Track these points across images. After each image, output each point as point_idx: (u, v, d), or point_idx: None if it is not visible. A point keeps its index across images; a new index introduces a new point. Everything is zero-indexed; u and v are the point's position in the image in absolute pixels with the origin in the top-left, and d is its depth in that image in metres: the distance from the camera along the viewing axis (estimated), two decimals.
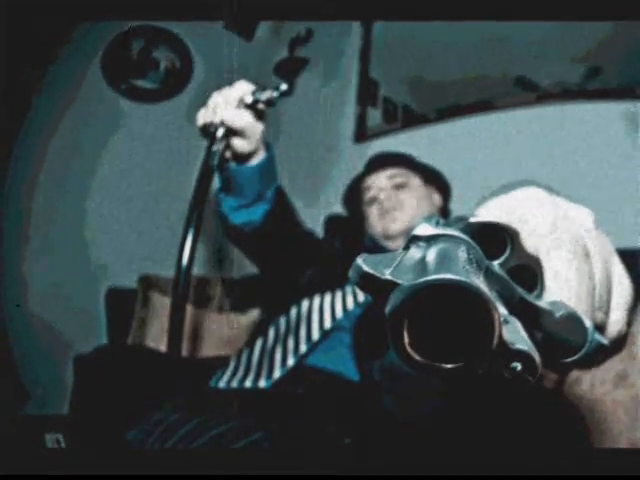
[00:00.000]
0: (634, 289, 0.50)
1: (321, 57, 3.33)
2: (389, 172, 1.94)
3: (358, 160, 2.27)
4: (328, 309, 1.57)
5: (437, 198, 2.01)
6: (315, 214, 2.41)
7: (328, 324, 1.52)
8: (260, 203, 1.61)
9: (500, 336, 0.33)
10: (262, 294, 2.39)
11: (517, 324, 0.37)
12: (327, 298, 1.62)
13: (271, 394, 1.40)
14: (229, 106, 1.43)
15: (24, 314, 2.88)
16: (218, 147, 1.44)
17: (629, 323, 0.50)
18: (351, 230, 2.07)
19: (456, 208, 2.07)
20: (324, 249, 1.89)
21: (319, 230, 2.13)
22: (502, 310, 0.37)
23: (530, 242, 0.45)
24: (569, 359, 0.42)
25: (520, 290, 0.41)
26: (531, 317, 0.41)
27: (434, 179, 2.02)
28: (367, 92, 3.09)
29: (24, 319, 2.87)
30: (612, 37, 2.29)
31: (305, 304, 1.62)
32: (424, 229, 0.41)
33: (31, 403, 2.79)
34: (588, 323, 0.41)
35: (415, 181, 1.94)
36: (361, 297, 1.59)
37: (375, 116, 3.05)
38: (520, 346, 0.34)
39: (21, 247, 2.98)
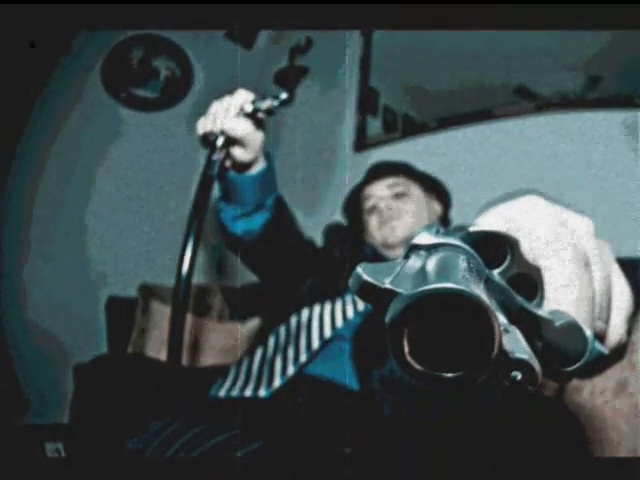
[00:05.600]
0: (634, 298, 0.50)
1: (321, 66, 3.33)
2: (389, 181, 1.94)
3: (358, 169, 2.27)
4: (328, 318, 1.57)
5: (437, 207, 2.00)
6: (315, 223, 2.41)
7: (328, 333, 1.52)
8: (260, 212, 1.61)
9: (500, 345, 0.33)
10: (262, 303, 2.39)
11: (517, 333, 0.37)
12: (327, 307, 1.61)
13: (271, 403, 1.40)
14: (229, 115, 1.44)
15: (24, 323, 2.88)
16: (218, 156, 1.44)
17: (629, 332, 0.50)
18: (351, 239, 2.07)
19: (456, 217, 2.07)
20: (324, 258, 1.88)
21: (319, 239, 2.12)
22: (502, 319, 0.37)
23: (530, 251, 0.45)
24: (569, 368, 0.42)
25: (520, 299, 0.41)
26: (531, 326, 0.41)
27: (434, 188, 2.02)
28: (367, 101, 3.10)
29: (24, 328, 2.87)
30: (611, 46, 2.30)
31: (305, 313, 1.62)
32: (424, 238, 0.41)
33: (31, 412, 2.78)
34: (588, 332, 0.41)
35: (415, 190, 1.94)
36: (361, 306, 1.58)
37: (375, 125, 3.06)
38: (520, 355, 0.34)
39: (21, 256, 2.98)
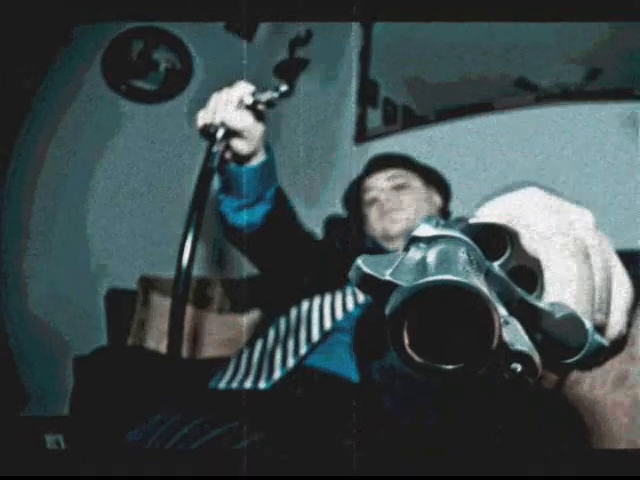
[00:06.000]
0: (634, 290, 0.50)
1: (321, 58, 3.33)
2: (389, 173, 1.94)
3: (358, 161, 2.27)
4: (328, 310, 1.57)
5: (437, 199, 2.00)
6: (315, 215, 2.41)
7: (328, 325, 1.52)
8: (260, 204, 1.61)
9: (500, 337, 0.33)
10: (262, 295, 2.39)
11: (517, 325, 0.37)
12: (327, 299, 1.61)
13: (271, 395, 1.40)
14: (229, 107, 1.43)
15: (24, 315, 2.88)
16: (218, 148, 1.44)
17: (629, 324, 0.50)
18: (351, 231, 2.06)
19: (456, 209, 2.07)
20: (324, 250, 1.88)
21: (319, 231, 2.12)
22: (502, 311, 0.37)
23: (530, 243, 0.45)
24: (569, 360, 0.42)
25: (520, 291, 0.41)
26: (531, 318, 0.41)
27: (434, 180, 2.02)
28: (367, 93, 3.09)
29: (24, 320, 2.87)
30: (611, 38, 2.30)
31: (305, 305, 1.62)
32: (424, 230, 0.41)
33: (31, 404, 2.79)
34: (588, 324, 0.41)
35: (415, 182, 1.93)
36: (361, 298, 1.58)
37: (375, 117, 3.05)
38: (520, 347, 0.34)
39: (21, 248, 2.97)
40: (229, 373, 1.54)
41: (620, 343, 0.51)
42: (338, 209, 2.25)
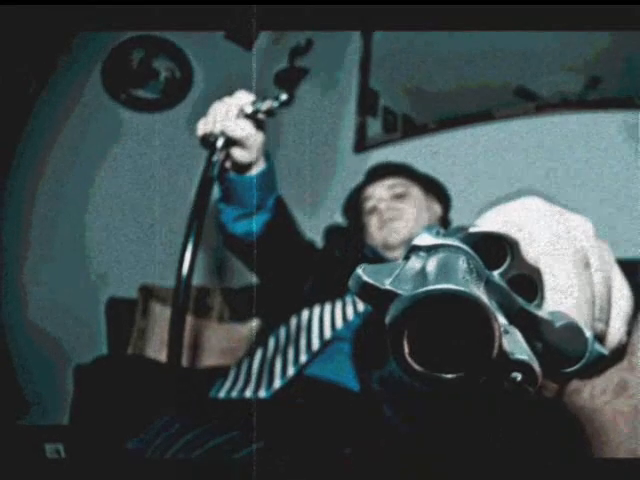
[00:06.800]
0: (634, 299, 0.50)
1: (321, 67, 3.33)
2: (389, 182, 1.94)
3: (358, 170, 2.27)
4: (328, 319, 1.57)
5: (437, 208, 2.00)
6: (315, 224, 2.41)
7: (328, 334, 1.52)
8: (260, 213, 1.61)
9: (500, 346, 0.33)
10: (262, 304, 2.39)
11: (517, 334, 0.37)
12: (327, 308, 1.61)
13: (271, 404, 1.40)
14: (229, 116, 1.43)
15: (24, 324, 2.88)
16: (218, 157, 1.44)
17: (629, 333, 0.50)
18: (351, 240, 2.06)
19: (456, 218, 2.07)
20: (324, 259, 1.88)
21: (319, 240, 2.12)
22: (502, 320, 0.37)
23: (530, 252, 0.45)
24: (569, 369, 0.42)
25: (520, 300, 0.41)
26: (531, 327, 0.41)
27: (434, 189, 2.02)
28: (367, 102, 3.09)
29: (24, 329, 2.87)
30: (611, 47, 2.30)
31: (305, 314, 1.62)
32: (424, 239, 0.41)
33: (31, 413, 2.78)
34: (588, 333, 0.41)
35: (415, 191, 1.94)
36: (361, 307, 1.58)
37: (375, 126, 3.05)
38: (520, 356, 0.34)
39: (21, 256, 2.98)
40: (229, 382, 1.54)
41: (620, 352, 0.51)
42: (338, 218, 2.25)
